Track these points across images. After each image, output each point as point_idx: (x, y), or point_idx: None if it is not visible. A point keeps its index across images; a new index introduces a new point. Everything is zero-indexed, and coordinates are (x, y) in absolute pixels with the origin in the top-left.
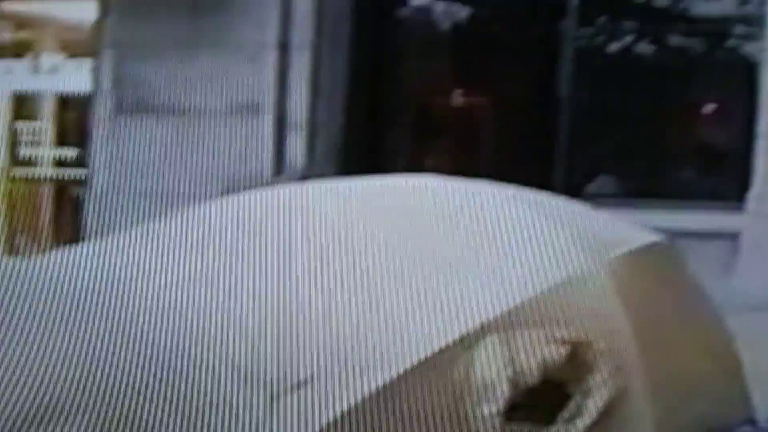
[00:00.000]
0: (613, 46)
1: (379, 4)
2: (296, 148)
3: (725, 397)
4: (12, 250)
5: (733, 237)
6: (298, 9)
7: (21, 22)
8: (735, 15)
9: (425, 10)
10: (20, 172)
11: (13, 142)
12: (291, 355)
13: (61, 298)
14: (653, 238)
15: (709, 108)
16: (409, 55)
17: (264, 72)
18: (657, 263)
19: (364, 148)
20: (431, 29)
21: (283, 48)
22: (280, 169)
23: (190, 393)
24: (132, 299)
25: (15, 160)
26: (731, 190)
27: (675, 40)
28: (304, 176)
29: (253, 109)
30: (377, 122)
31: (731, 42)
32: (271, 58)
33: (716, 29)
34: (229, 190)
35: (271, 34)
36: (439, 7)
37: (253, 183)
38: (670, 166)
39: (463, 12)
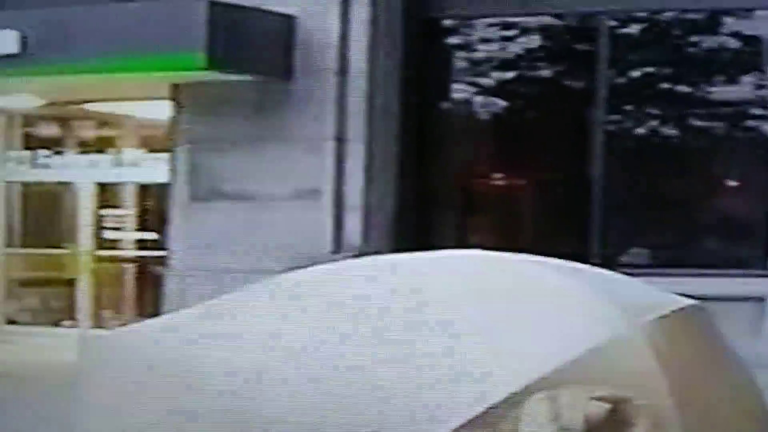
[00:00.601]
0: (640, 129)
1: (424, 99)
2: (353, 227)
3: None
4: (99, 322)
5: (758, 301)
6: (351, 106)
7: (103, 120)
8: (752, 98)
9: (465, 103)
10: (106, 253)
11: (99, 227)
12: (360, 409)
13: (145, 363)
14: (685, 302)
15: (731, 183)
16: (452, 143)
17: (323, 161)
18: (689, 325)
19: (414, 227)
20: (472, 119)
21: (340, 140)
22: (338, 248)
23: None
24: (208, 364)
25: (101, 243)
26: (755, 257)
27: (697, 122)
28: (361, 253)
29: (313, 194)
30: (425, 204)
31: (749, 122)
32: (329, 149)
33: (735, 111)
34: (292, 267)
35: (329, 129)
36: (478, 100)
37: (315, 260)
38: (697, 237)
39: (500, 103)
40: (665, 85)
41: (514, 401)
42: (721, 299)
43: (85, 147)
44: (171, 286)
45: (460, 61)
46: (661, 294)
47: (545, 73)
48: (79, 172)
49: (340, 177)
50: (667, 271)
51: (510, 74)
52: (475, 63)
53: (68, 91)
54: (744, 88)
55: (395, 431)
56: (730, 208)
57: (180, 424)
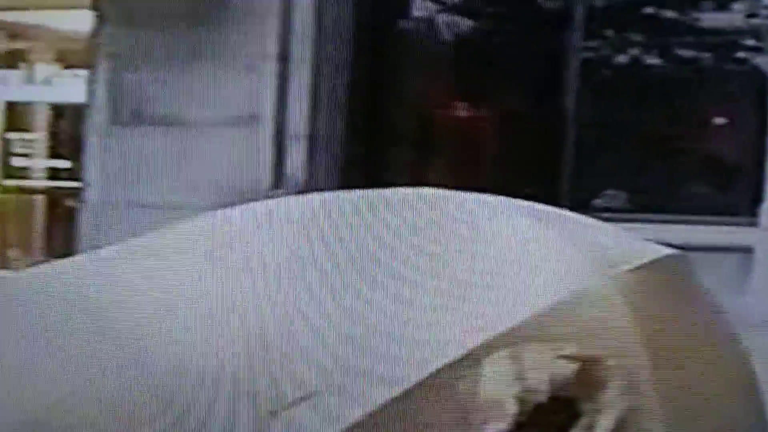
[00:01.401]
0: (620, 58)
1: (380, 15)
2: (295, 160)
3: (740, 415)
4: (3, 262)
5: (745, 252)
6: (298, 20)
7: (14, 31)
8: (744, 27)
9: (427, 22)
10: (12, 183)
11: (6, 153)
12: (292, 369)
13: (54, 310)
14: (665, 251)
15: (719, 120)
16: (410, 68)
17: (263, 83)
18: (669, 277)
19: (365, 161)
20: (433, 41)
21: (283, 59)
22: (278, 182)
23: (187, 408)
24: (128, 312)
25: (7, 171)
26: (743, 204)
27: (683, 51)
28: (303, 189)
29: (251, 120)
30: (378, 135)
31: (740, 54)
32: (270, 69)
33: (725, 41)
34: (226, 203)
35: (271, 46)
36: (441, 19)
37: (252, 195)
38: (680, 179)
39: (465, 24)
40: (649, 9)
41: (471, 360)
42: (705, 249)
43: None
44: (86, 222)
45: None
46: (638, 242)
47: None
48: None
49: (282, 102)
50: (646, 216)
51: None
52: None
53: None
54: (735, 16)
55: (337, 396)
56: (718, 149)
57: (92, 382)
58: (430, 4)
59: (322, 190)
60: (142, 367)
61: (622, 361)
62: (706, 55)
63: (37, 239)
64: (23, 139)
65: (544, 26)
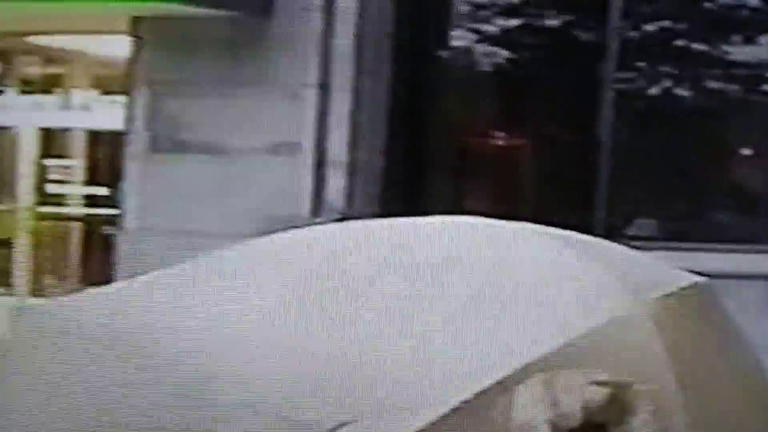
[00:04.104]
0: (653, 90)
1: (420, 45)
2: (335, 188)
3: None
4: (38, 290)
5: None
6: (338, 49)
7: (51, 56)
8: None
9: (466, 52)
10: (48, 210)
11: (42, 180)
12: (330, 397)
13: (91, 339)
14: (692, 279)
15: (746, 151)
16: (449, 97)
17: (303, 111)
18: (697, 304)
19: (404, 189)
20: (472, 71)
21: (323, 87)
22: (318, 210)
23: None
24: (165, 342)
25: (43, 198)
26: None
27: (713, 83)
28: (343, 217)
29: (291, 148)
30: (417, 163)
31: (767, 86)
32: (310, 97)
33: (753, 74)
34: (266, 231)
35: (312, 74)
36: (480, 49)
37: (291, 224)
38: (708, 208)
39: (503, 54)
40: (681, 42)
41: (504, 386)
42: (731, 276)
43: (29, 86)
44: (124, 249)
45: (461, 4)
46: (667, 269)
47: (552, 22)
48: (20, 115)
49: (322, 130)
50: (675, 244)
51: (514, 22)
52: (477, 7)
53: (9, 21)
54: (763, 49)
55: (371, 420)
56: (745, 178)
57: (125, 408)
58: (469, 35)
59: (361, 218)
60: (178, 396)
61: (652, 386)
62: (734, 87)
63: (73, 267)
64: (59, 166)
65: (580, 58)
